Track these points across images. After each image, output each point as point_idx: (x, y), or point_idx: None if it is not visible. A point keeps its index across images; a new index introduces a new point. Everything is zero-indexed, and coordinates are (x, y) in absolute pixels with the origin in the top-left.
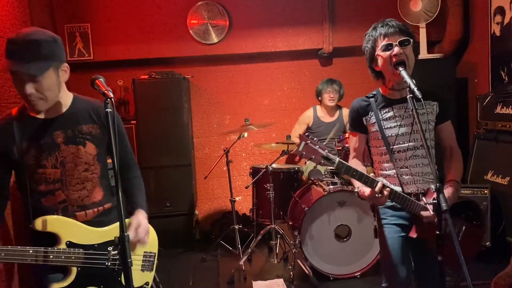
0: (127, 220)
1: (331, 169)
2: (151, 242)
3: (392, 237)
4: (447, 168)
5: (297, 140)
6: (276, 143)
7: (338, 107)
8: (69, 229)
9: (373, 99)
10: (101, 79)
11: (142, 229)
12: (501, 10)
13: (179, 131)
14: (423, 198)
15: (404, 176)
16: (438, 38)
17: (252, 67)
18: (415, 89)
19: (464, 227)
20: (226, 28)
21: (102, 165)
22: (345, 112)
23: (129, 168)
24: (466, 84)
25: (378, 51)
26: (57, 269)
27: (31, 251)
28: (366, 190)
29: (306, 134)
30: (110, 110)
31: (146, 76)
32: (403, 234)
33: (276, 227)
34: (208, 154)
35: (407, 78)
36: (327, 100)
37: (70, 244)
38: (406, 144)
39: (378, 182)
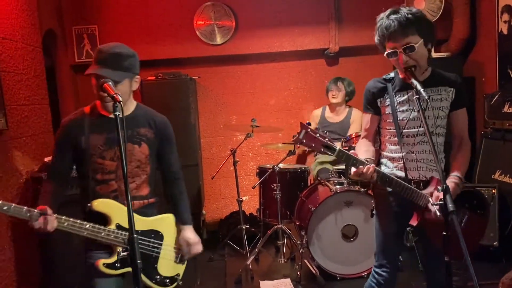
0: (165, 216)
1: (338, 168)
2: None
3: (385, 221)
4: (453, 158)
5: None
6: (283, 143)
7: (349, 107)
8: (119, 213)
9: (390, 83)
10: (110, 83)
11: (194, 246)
12: (508, 9)
13: (186, 131)
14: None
15: (409, 161)
16: (445, 37)
17: (259, 67)
18: (422, 90)
19: (466, 216)
20: (233, 28)
21: (152, 166)
22: (355, 113)
23: (174, 180)
24: (474, 83)
25: (386, 54)
26: (103, 248)
27: (87, 226)
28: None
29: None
30: (119, 113)
31: (153, 77)
32: (397, 221)
33: (283, 227)
34: (215, 154)
35: (415, 82)
36: (330, 97)
37: (119, 227)
38: (416, 129)
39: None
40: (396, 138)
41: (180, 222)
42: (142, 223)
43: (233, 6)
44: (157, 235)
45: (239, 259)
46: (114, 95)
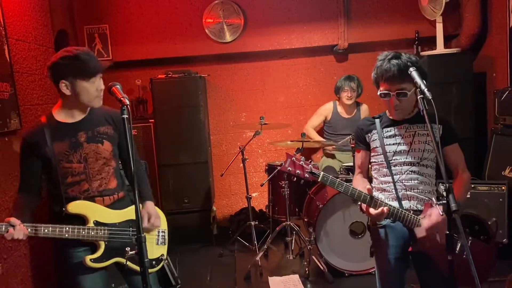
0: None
1: (346, 165)
2: (161, 220)
3: (385, 259)
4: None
5: (312, 131)
6: (291, 141)
7: (357, 103)
8: (94, 211)
9: (378, 119)
10: (118, 86)
11: (154, 218)
12: None
13: (196, 129)
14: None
15: (400, 191)
16: (455, 32)
17: (268, 64)
18: (426, 90)
19: (470, 241)
20: (241, 26)
21: (116, 159)
22: (364, 108)
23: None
24: (484, 78)
25: (379, 94)
26: (87, 245)
27: (67, 228)
28: (368, 209)
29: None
30: (126, 116)
31: (163, 76)
32: (397, 255)
33: (291, 224)
34: (224, 151)
35: (419, 81)
36: (344, 98)
37: (97, 223)
38: (403, 160)
39: (369, 197)
40: (385, 170)
41: (141, 198)
42: (117, 215)
43: (241, 3)
44: (134, 223)
45: (248, 255)
46: (122, 98)
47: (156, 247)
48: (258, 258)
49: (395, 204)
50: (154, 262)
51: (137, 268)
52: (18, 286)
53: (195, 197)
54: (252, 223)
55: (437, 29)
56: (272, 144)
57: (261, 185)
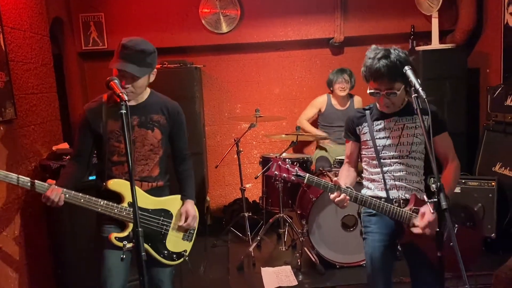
0: (174, 197)
1: (339, 158)
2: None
3: (374, 245)
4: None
5: (305, 123)
6: (286, 134)
7: (350, 95)
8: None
9: (368, 111)
10: (116, 81)
11: (191, 218)
12: None
13: (191, 120)
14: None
15: (388, 182)
16: (451, 28)
17: (263, 56)
18: (420, 89)
19: (456, 228)
20: (238, 17)
21: (164, 149)
22: (357, 99)
23: (183, 160)
24: (478, 74)
25: (368, 92)
26: (116, 222)
27: (102, 203)
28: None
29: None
30: (125, 111)
31: (159, 66)
32: (385, 243)
33: (284, 216)
34: (219, 142)
35: (414, 80)
36: (338, 90)
37: (131, 204)
38: (392, 153)
39: (342, 189)
40: (374, 162)
41: (183, 195)
42: (153, 202)
43: None
44: (167, 214)
45: (241, 245)
46: (120, 94)
47: (181, 242)
48: (251, 249)
49: (383, 194)
50: (175, 256)
51: (159, 257)
52: (12, 274)
53: None
54: (246, 214)
55: (432, 24)
56: (267, 136)
57: (255, 178)
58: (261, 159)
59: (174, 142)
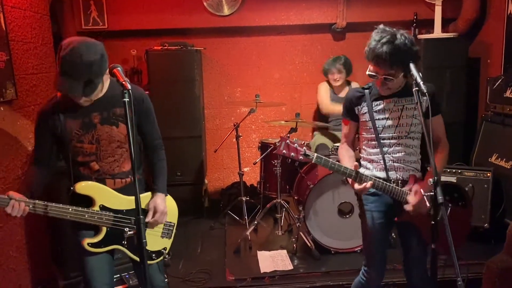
0: (146, 194)
1: (337, 145)
2: (171, 213)
3: (371, 223)
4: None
5: (332, 108)
6: (286, 121)
7: (347, 82)
8: (102, 195)
9: (367, 90)
10: (119, 68)
11: (159, 214)
12: None
13: (190, 103)
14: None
15: (387, 163)
16: (454, 16)
17: (265, 39)
18: (421, 83)
19: (449, 208)
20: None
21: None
22: (354, 85)
23: (154, 149)
24: (479, 64)
25: (367, 73)
26: (89, 227)
27: (70, 209)
28: (354, 184)
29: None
30: (128, 100)
31: (159, 47)
32: (382, 220)
33: (281, 201)
34: (218, 125)
35: (415, 74)
36: (332, 81)
37: (103, 208)
38: (391, 135)
39: (354, 173)
40: (374, 142)
41: (153, 189)
42: (125, 202)
43: None
44: (142, 213)
45: (238, 228)
46: (123, 82)
47: (159, 240)
48: (248, 232)
49: (382, 174)
50: (154, 255)
51: (135, 257)
52: (13, 253)
53: (188, 170)
54: (243, 198)
55: (436, 12)
56: (266, 123)
57: (254, 163)
58: (260, 144)
59: (142, 132)
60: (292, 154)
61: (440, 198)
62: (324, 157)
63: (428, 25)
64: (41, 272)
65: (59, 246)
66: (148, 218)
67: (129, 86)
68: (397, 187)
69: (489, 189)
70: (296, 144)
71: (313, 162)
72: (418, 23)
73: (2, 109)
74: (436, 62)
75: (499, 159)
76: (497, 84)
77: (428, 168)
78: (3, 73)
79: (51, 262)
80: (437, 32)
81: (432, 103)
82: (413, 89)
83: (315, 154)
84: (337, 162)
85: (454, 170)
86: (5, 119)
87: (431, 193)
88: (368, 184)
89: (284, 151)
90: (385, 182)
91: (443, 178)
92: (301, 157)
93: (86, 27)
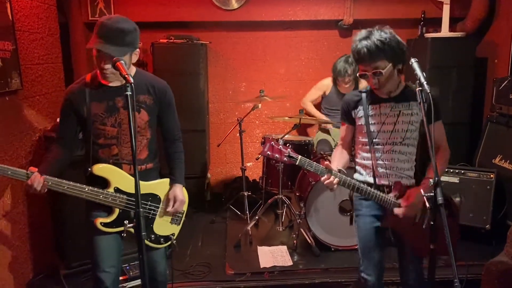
0: (161, 180)
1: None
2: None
3: (365, 227)
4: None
5: (309, 105)
6: (290, 117)
7: (355, 82)
8: (118, 178)
9: (365, 94)
10: (122, 61)
11: (178, 203)
12: None
13: (195, 97)
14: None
15: (379, 169)
16: (461, 15)
17: (271, 35)
18: (425, 82)
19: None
20: None
21: (152, 131)
22: (363, 84)
23: (173, 142)
24: (486, 64)
25: (358, 75)
26: (102, 208)
27: (86, 189)
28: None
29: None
30: (130, 93)
31: (165, 40)
32: (376, 224)
33: (283, 197)
34: (222, 120)
35: (419, 73)
36: (342, 84)
37: (117, 190)
38: (386, 140)
39: (329, 172)
40: (367, 147)
41: (172, 179)
42: (141, 186)
43: None
44: (155, 198)
45: (239, 223)
46: (126, 75)
47: (169, 226)
48: (249, 227)
49: (369, 180)
50: (162, 239)
51: (148, 242)
52: (16, 242)
53: (191, 163)
54: (245, 193)
55: (444, 11)
56: (270, 118)
57: (257, 159)
58: (263, 140)
59: (162, 123)
60: (276, 155)
61: (439, 199)
62: (308, 160)
63: (435, 23)
64: (43, 261)
65: (61, 236)
66: (169, 208)
67: (132, 80)
68: (382, 193)
69: (492, 190)
70: (280, 146)
71: (297, 164)
72: (426, 22)
73: (7, 98)
74: (443, 62)
75: (503, 160)
76: (503, 85)
77: (426, 173)
78: (9, 63)
79: (53, 252)
80: (445, 31)
81: (435, 107)
82: (417, 89)
83: (299, 156)
84: (314, 162)
85: (457, 171)
86: (10, 109)
87: (431, 194)
88: (335, 180)
89: (268, 152)
90: (371, 189)
91: (445, 179)
92: (285, 158)
93: (92, 18)
